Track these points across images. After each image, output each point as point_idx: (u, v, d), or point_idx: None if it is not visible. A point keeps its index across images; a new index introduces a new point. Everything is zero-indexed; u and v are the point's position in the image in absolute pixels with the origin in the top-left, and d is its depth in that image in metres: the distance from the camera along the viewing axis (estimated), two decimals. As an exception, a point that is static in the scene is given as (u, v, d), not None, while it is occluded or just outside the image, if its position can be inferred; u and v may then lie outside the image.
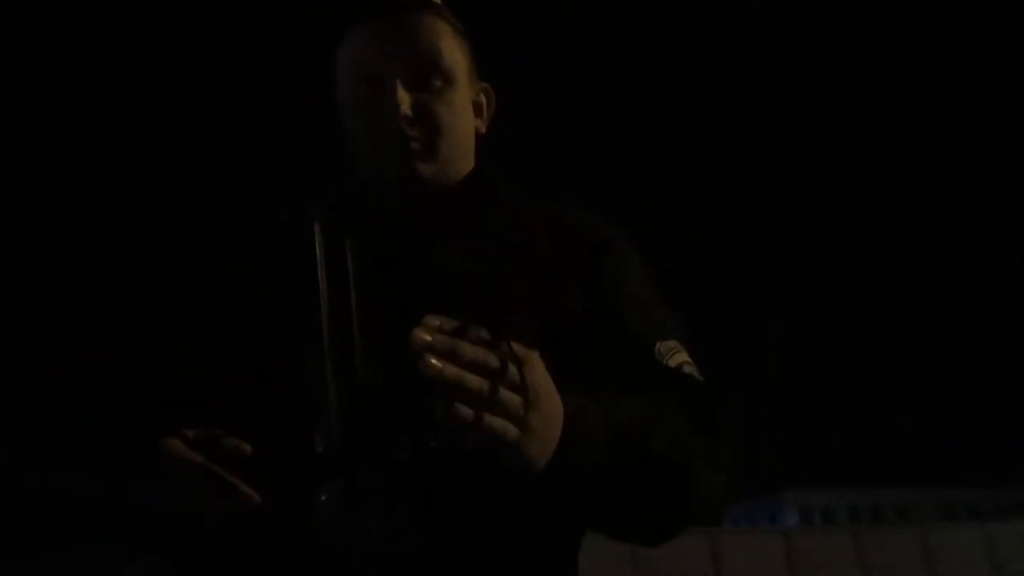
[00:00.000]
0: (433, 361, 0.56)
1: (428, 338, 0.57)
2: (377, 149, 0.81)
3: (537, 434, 0.62)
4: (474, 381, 0.57)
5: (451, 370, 0.57)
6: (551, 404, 0.64)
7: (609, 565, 13.23)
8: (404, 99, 0.79)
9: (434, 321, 0.58)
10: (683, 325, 0.85)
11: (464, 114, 0.86)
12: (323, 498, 0.64)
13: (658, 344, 0.80)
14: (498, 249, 0.82)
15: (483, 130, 0.92)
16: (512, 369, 0.60)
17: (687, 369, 0.80)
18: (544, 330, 0.77)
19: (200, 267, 0.90)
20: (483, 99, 0.92)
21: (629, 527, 0.76)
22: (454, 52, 0.84)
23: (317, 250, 0.69)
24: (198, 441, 0.71)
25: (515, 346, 0.61)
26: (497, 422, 0.59)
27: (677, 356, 0.81)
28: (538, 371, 0.63)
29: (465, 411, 0.57)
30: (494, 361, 0.59)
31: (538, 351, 0.67)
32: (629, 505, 0.72)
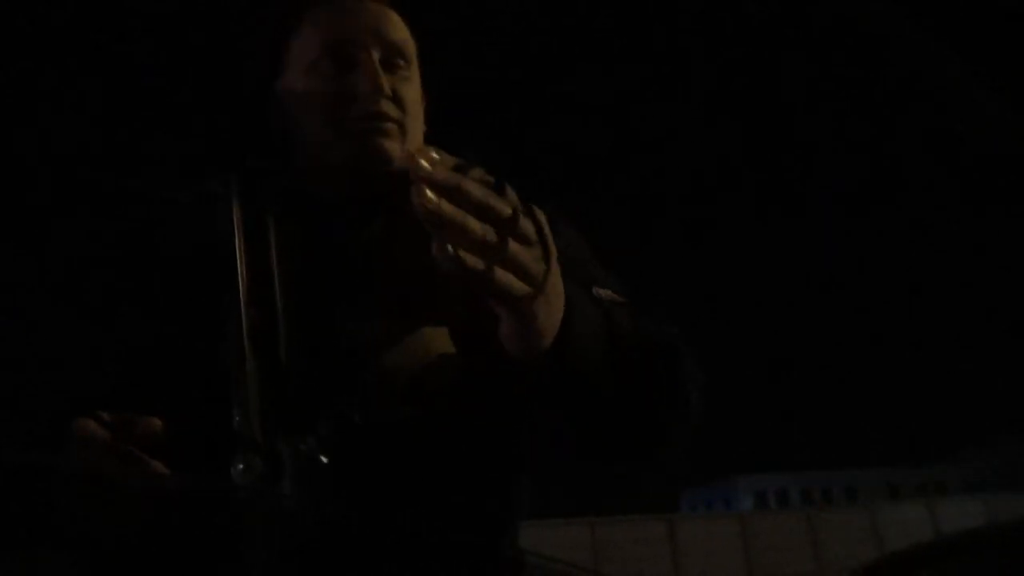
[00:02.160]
0: (430, 195, 0.49)
1: (427, 167, 0.50)
2: (345, 125, 0.78)
3: (550, 302, 0.57)
4: (478, 226, 0.51)
5: (452, 208, 0.49)
6: (558, 274, 0.58)
7: (568, 551, 13.38)
8: (384, 79, 0.79)
9: (433, 152, 0.52)
10: (619, 284, 0.81)
11: (419, 99, 0.86)
12: (238, 471, 0.62)
13: (595, 289, 0.75)
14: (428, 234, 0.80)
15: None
16: (524, 221, 0.53)
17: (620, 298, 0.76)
18: (485, 308, 0.74)
19: (111, 248, 0.86)
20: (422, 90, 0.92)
21: (624, 431, 0.71)
22: (409, 37, 0.85)
23: (235, 224, 0.68)
24: (112, 422, 0.66)
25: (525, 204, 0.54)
26: (510, 277, 0.52)
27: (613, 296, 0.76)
28: (550, 231, 0.56)
29: (472, 259, 0.50)
30: (504, 208, 0.52)
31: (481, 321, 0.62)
32: (627, 404, 0.67)
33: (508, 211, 0.52)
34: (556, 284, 0.58)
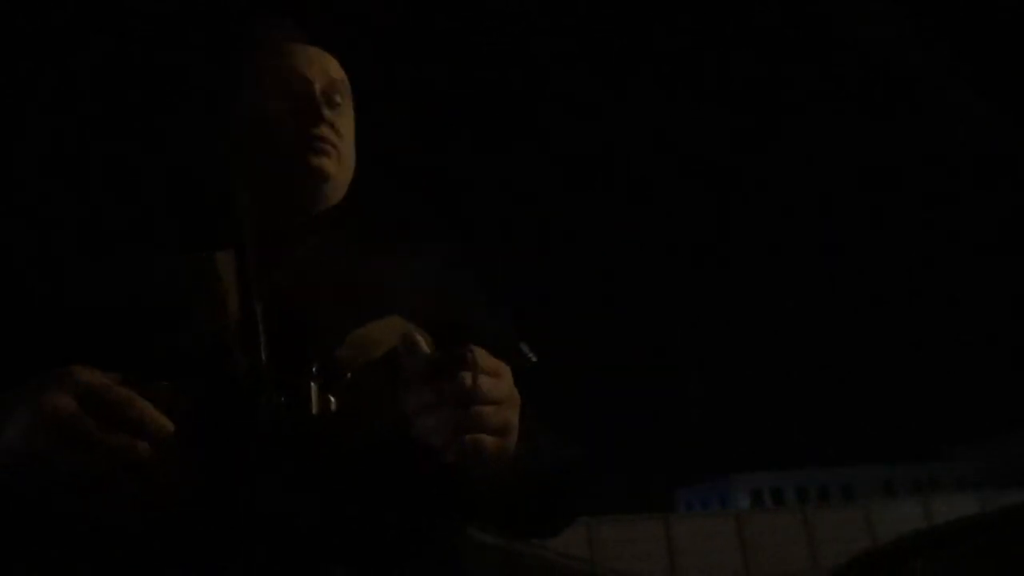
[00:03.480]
0: (420, 398, 0.66)
1: (415, 361, 0.66)
2: (288, 144, 0.87)
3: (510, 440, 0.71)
4: (460, 415, 0.66)
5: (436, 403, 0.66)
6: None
7: (564, 549, 13.38)
8: (324, 108, 0.89)
9: (420, 339, 0.67)
10: (512, 323, 0.95)
11: (352, 135, 0.96)
12: (261, 404, 0.69)
13: (521, 344, 0.87)
14: (379, 250, 0.91)
15: None
16: (494, 384, 0.68)
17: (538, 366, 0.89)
18: (432, 320, 0.85)
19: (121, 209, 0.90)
20: None
21: (519, 527, 0.90)
22: (347, 82, 0.95)
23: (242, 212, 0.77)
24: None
25: (485, 357, 0.69)
26: (487, 443, 0.67)
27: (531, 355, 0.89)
28: (509, 379, 0.72)
29: (459, 445, 0.65)
30: (486, 393, 0.67)
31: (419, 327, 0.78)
32: (525, 511, 0.83)
33: (487, 392, 0.67)
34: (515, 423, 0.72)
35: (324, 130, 0.88)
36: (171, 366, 0.68)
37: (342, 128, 0.92)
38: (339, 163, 0.91)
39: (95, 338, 0.70)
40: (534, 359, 0.87)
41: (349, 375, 0.74)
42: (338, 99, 0.91)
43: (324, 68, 0.92)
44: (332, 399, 0.73)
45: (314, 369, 0.73)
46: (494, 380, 0.69)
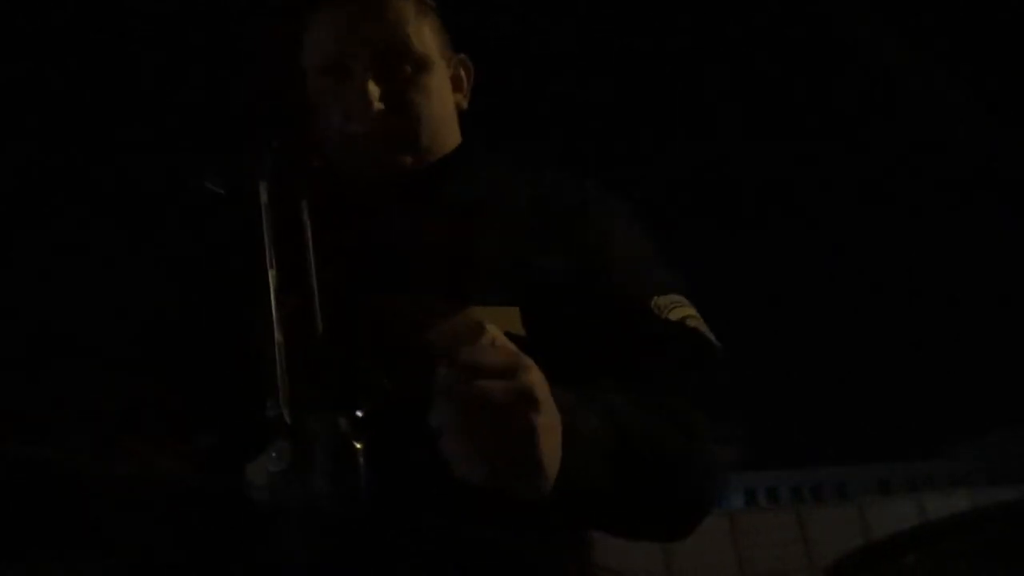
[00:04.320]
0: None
1: (479, 359, 0.54)
2: (351, 143, 0.78)
3: (547, 453, 0.56)
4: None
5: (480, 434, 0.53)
6: (552, 413, 0.58)
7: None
8: (374, 92, 0.77)
9: (490, 334, 0.56)
10: (684, 282, 0.79)
11: (442, 96, 0.83)
12: (272, 458, 0.61)
13: (655, 298, 0.74)
14: (469, 215, 0.78)
15: (464, 104, 0.88)
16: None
17: (691, 323, 0.75)
18: (520, 292, 0.73)
19: (150, 233, 0.86)
20: (461, 73, 0.88)
21: (641, 529, 0.71)
22: (423, 33, 0.81)
23: (263, 210, 0.66)
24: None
25: (504, 349, 0.57)
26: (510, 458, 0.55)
27: (679, 310, 0.75)
28: (535, 376, 0.57)
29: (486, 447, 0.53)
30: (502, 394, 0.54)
31: (516, 309, 0.66)
32: (639, 509, 0.67)
33: (486, 397, 0.54)
34: (550, 429, 0.57)
35: (377, 121, 0.76)
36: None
37: (413, 100, 0.78)
38: (418, 148, 0.79)
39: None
40: (671, 319, 0.71)
41: (396, 393, 0.63)
42: (405, 66, 0.78)
43: (377, 35, 0.78)
44: (357, 444, 0.61)
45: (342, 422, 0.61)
46: (498, 383, 0.55)
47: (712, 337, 0.76)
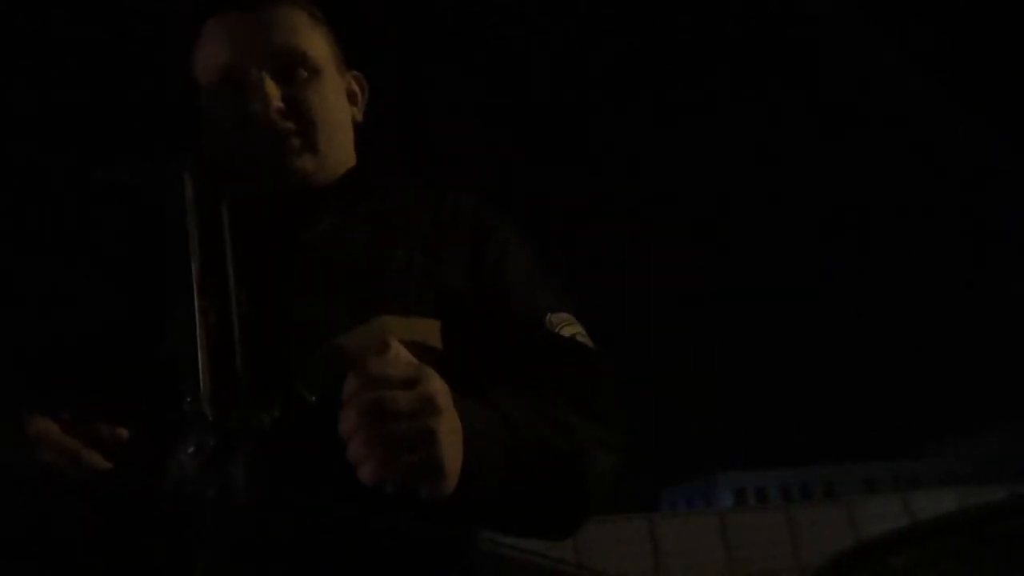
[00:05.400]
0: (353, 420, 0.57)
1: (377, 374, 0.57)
2: (251, 147, 0.77)
3: (449, 455, 0.60)
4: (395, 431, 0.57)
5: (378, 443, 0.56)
6: (453, 419, 0.62)
7: (549, 550, 13.39)
8: (274, 92, 0.77)
9: (391, 350, 0.59)
10: (573, 303, 0.83)
11: (337, 104, 0.84)
12: (188, 453, 0.62)
13: (549, 315, 0.79)
14: (381, 228, 0.80)
15: (359, 118, 0.90)
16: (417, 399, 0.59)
17: (580, 339, 0.79)
18: (425, 302, 0.75)
19: (66, 228, 0.84)
20: (355, 87, 0.90)
21: (532, 527, 0.76)
22: (315, 41, 0.82)
23: (187, 203, 0.67)
24: (73, 424, 0.66)
25: (407, 362, 0.60)
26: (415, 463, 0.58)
27: (569, 327, 0.79)
28: (437, 385, 0.61)
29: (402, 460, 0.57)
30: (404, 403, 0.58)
31: (437, 322, 0.69)
32: (531, 507, 0.71)
33: (391, 407, 0.58)
34: (451, 434, 0.61)
35: (278, 124, 0.77)
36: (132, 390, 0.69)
37: (311, 103, 0.79)
38: (316, 151, 0.80)
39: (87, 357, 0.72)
40: (563, 335, 0.76)
41: (313, 399, 0.66)
42: (300, 71, 0.79)
43: (272, 40, 0.79)
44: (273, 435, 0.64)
45: (265, 417, 0.64)
46: (401, 393, 0.59)
47: (600, 352, 0.81)
